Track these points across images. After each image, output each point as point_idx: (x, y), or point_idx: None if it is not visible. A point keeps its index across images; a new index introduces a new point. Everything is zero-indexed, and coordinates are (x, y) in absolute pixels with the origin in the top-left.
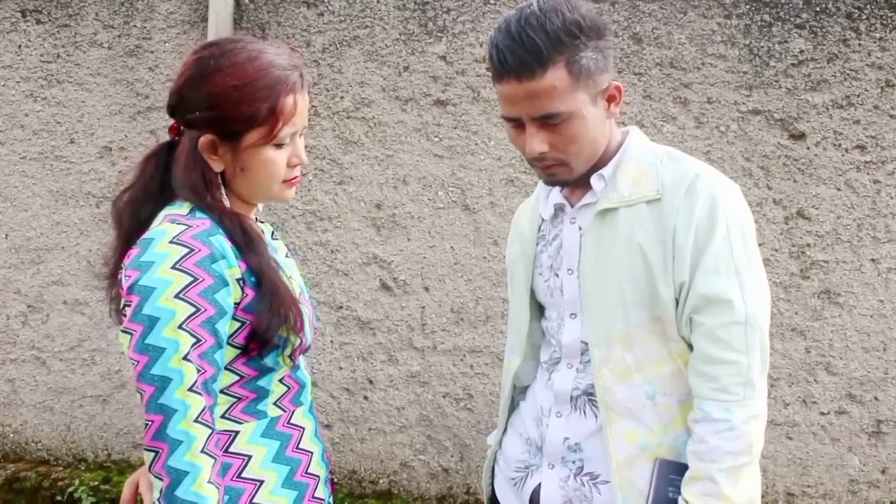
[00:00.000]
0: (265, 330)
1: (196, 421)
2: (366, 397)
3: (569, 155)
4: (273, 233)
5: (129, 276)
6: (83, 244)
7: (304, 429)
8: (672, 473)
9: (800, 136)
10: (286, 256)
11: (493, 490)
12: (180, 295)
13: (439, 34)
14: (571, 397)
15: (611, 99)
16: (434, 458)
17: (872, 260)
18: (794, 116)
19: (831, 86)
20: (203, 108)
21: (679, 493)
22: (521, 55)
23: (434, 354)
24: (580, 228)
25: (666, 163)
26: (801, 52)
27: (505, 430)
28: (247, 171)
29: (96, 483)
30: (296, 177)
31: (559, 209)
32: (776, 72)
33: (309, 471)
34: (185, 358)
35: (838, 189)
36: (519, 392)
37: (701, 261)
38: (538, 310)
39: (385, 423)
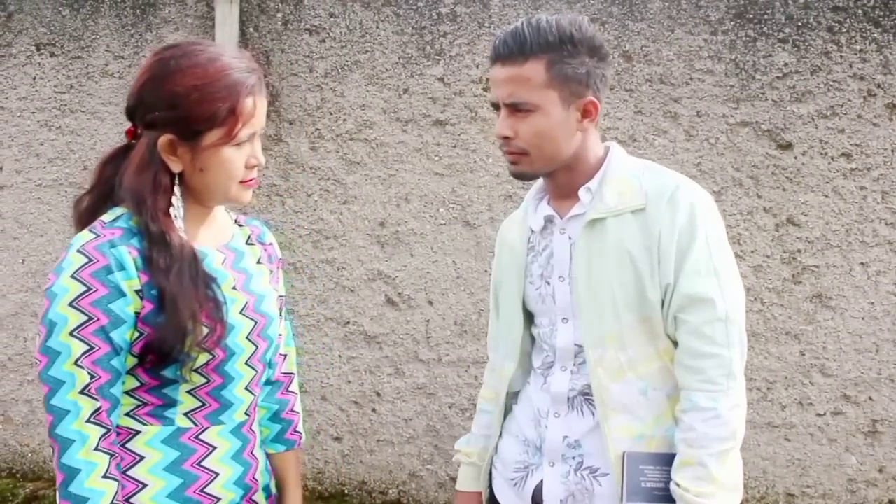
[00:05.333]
0: (160, 343)
1: (88, 421)
2: (374, 409)
3: (530, 146)
4: (249, 237)
5: (50, 280)
6: None
7: (214, 448)
8: (641, 464)
9: (787, 146)
10: (258, 262)
11: (491, 492)
12: (73, 304)
13: (437, 57)
14: (568, 398)
15: (586, 114)
16: (442, 467)
17: (862, 264)
18: (781, 127)
19: (815, 97)
20: (163, 107)
21: (651, 481)
22: (510, 43)
23: (439, 366)
24: (570, 238)
25: (647, 175)
26: (786, 65)
27: (500, 434)
28: (206, 171)
29: None
30: (253, 178)
31: (549, 221)
32: (762, 85)
33: (206, 490)
34: (76, 363)
35: (826, 196)
36: (511, 398)
37: (684, 264)
38: (528, 318)
39: (393, 434)
